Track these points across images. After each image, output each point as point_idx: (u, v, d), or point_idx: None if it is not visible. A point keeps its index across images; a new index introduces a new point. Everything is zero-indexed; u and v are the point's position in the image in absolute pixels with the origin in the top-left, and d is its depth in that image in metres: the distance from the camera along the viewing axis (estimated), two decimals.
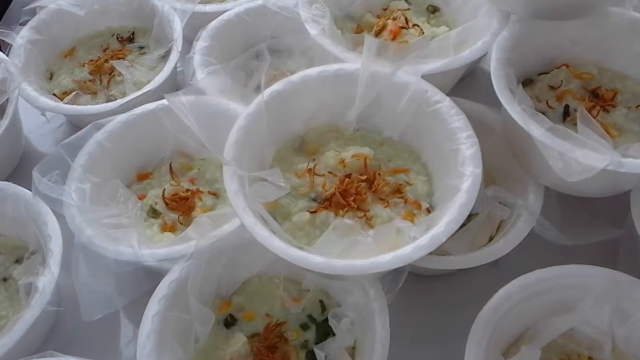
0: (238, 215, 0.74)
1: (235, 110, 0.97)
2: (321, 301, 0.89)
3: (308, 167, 0.85)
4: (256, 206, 0.77)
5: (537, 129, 0.81)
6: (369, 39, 0.83)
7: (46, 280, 0.88)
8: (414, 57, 0.83)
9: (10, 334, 0.85)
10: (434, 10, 1.16)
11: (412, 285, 0.88)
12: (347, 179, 0.83)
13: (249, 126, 0.83)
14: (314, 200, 0.83)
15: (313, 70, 0.89)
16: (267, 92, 0.84)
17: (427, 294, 0.98)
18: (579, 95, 0.95)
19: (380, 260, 0.70)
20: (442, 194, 0.82)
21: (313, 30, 0.97)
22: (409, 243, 0.73)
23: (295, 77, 0.87)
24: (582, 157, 0.77)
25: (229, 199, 0.75)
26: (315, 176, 0.84)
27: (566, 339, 0.84)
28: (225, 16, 1.22)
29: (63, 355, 0.79)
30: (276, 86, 0.86)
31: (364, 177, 0.83)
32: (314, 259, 0.71)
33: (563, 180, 0.86)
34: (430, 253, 0.82)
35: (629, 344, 0.82)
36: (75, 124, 1.24)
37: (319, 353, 0.79)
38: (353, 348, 0.84)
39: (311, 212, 0.81)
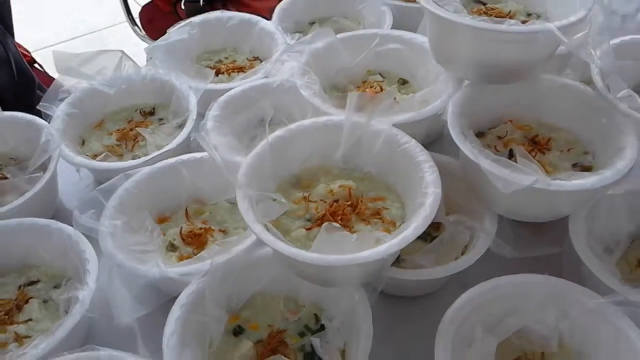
0: (249, 226, 0.87)
1: (239, 163, 1.02)
2: (315, 314, 0.99)
3: (303, 196, 0.97)
4: (263, 222, 0.89)
5: (484, 160, 0.96)
6: (351, 95, 0.98)
7: (85, 293, 0.99)
8: (386, 105, 0.97)
9: (54, 336, 0.96)
10: (404, 82, 1.32)
11: (388, 308, 1.02)
12: (335, 204, 0.95)
13: (256, 162, 0.96)
14: (309, 220, 0.95)
15: (307, 121, 1.03)
16: (271, 137, 0.99)
17: (403, 315, 1.08)
18: (521, 142, 1.10)
19: (362, 255, 0.81)
20: (412, 213, 0.93)
21: (306, 93, 1.13)
22: None
23: (293, 126, 1.02)
24: (516, 177, 0.92)
25: (244, 220, 0.88)
26: (309, 202, 0.96)
27: (521, 339, 0.93)
28: (232, 92, 1.36)
29: (101, 348, 0.89)
30: (278, 132, 1.01)
31: (349, 202, 0.95)
32: (309, 255, 0.83)
33: (512, 208, 1.04)
34: (405, 268, 1.00)
35: (571, 339, 0.93)
36: (101, 183, 1.36)
37: (314, 340, 0.92)
38: (344, 351, 0.92)
39: (307, 229, 0.93)
